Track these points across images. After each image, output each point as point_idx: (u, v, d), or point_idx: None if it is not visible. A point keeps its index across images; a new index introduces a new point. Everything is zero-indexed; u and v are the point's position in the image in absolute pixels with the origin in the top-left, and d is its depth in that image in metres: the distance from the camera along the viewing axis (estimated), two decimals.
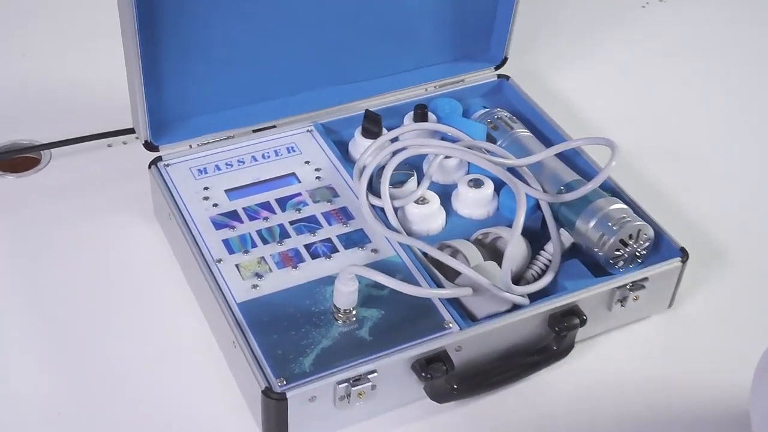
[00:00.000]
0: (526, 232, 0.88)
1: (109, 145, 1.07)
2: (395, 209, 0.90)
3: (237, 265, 0.85)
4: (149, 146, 0.95)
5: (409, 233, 0.90)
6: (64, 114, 1.11)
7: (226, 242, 0.87)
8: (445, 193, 0.94)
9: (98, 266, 0.94)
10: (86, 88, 1.14)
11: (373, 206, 0.90)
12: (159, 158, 0.95)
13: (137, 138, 0.95)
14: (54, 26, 1.23)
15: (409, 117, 1.00)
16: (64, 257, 0.95)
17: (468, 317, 0.82)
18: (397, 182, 0.92)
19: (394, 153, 0.93)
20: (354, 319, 0.80)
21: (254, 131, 0.99)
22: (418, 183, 0.94)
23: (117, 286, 0.92)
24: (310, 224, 0.89)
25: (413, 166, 0.95)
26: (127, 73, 0.91)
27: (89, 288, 0.92)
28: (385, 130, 0.98)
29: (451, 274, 0.87)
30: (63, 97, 1.13)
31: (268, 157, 0.96)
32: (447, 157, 0.95)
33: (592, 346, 0.87)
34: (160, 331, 0.88)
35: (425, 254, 0.86)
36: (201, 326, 0.87)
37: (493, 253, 0.89)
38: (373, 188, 0.93)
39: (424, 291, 0.80)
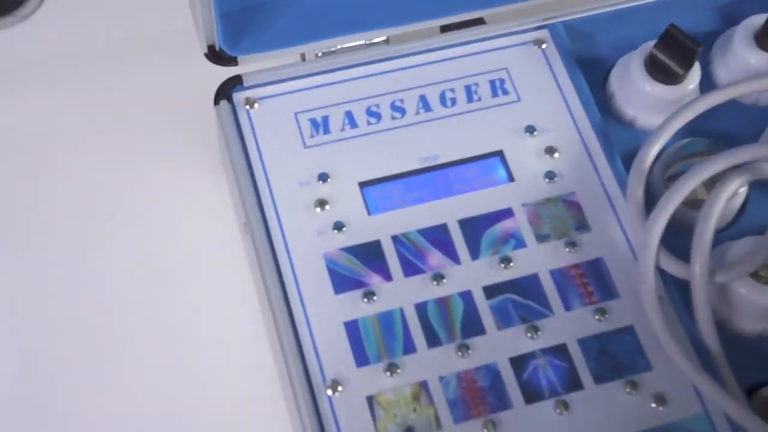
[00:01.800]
0: None
1: None
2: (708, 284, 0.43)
3: (371, 401, 0.41)
4: (217, 57, 0.47)
5: (724, 321, 0.44)
6: None
7: (354, 330, 0.42)
8: None
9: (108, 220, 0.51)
10: None
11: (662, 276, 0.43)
12: (236, 81, 0.48)
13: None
14: None
15: (745, 30, 0.49)
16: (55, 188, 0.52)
17: None
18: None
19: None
20: None
21: (443, 28, 0.50)
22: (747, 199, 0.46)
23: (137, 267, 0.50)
24: (525, 302, 0.43)
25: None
26: None
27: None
28: (696, 67, 0.48)
29: None
30: None
31: (453, 102, 0.48)
32: None
33: None
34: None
35: None
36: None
37: None
38: (651, 194, 0.46)
39: None
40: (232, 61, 0.47)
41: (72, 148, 0.53)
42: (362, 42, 0.49)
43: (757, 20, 0.49)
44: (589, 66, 0.50)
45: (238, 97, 0.47)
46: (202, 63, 0.48)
